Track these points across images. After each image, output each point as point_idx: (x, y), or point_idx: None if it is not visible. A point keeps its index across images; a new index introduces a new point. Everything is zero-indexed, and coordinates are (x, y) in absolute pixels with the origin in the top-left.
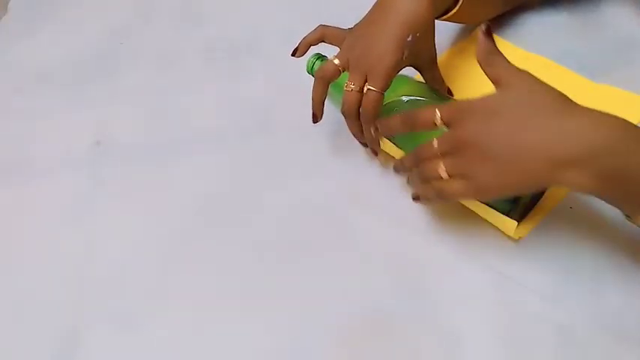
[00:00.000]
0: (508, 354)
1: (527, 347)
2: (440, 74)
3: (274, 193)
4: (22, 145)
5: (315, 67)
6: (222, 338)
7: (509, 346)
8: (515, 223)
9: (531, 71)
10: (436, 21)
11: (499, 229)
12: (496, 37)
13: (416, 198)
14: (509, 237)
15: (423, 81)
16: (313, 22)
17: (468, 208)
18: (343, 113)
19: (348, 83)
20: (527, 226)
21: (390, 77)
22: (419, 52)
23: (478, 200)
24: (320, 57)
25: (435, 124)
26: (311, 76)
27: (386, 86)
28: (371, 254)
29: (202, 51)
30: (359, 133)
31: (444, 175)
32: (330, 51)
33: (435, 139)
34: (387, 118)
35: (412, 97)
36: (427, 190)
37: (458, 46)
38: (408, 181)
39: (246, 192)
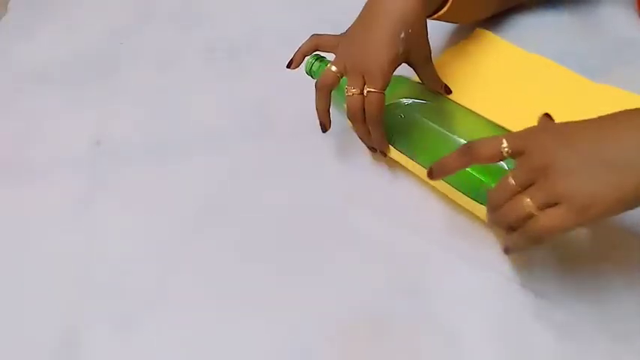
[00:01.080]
0: (508, 354)
1: (527, 347)
2: (435, 71)
3: (274, 193)
4: (22, 145)
5: (314, 67)
6: (222, 338)
7: (509, 346)
8: None
9: (531, 71)
10: (433, 21)
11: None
12: (496, 37)
13: (506, 250)
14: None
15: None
16: (313, 22)
17: (468, 209)
18: (349, 118)
19: (349, 88)
20: None
21: (388, 75)
22: (413, 48)
23: (582, 223)
24: (318, 57)
25: (502, 155)
26: (310, 77)
27: (385, 85)
28: (371, 254)
29: (202, 51)
30: (366, 136)
31: (533, 209)
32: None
33: (509, 175)
34: (441, 158)
35: (414, 100)
36: (518, 238)
37: (456, 46)
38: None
39: (245, 192)
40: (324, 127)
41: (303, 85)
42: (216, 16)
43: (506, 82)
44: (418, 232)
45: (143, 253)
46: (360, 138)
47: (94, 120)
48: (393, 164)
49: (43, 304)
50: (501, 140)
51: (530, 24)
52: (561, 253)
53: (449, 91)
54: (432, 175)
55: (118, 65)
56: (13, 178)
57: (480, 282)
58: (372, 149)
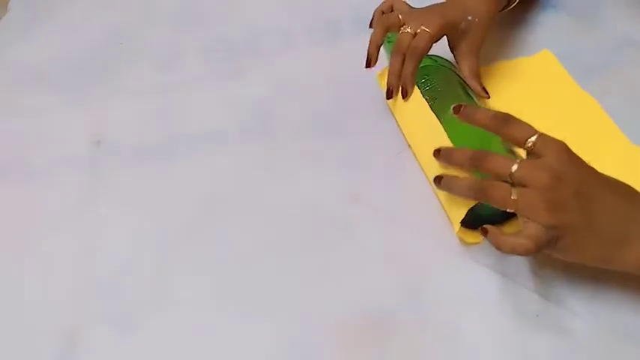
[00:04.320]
0: (508, 354)
1: (527, 347)
2: (477, 68)
3: (274, 193)
4: (22, 144)
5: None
6: (222, 338)
7: (510, 347)
8: (458, 225)
9: (577, 110)
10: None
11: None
12: (558, 65)
13: (439, 180)
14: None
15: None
16: (313, 22)
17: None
18: (392, 50)
19: (404, 27)
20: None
21: (444, 26)
22: (469, 34)
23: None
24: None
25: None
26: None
27: (438, 34)
28: (371, 254)
29: (202, 51)
30: (397, 72)
31: (513, 206)
32: None
33: (515, 161)
34: (454, 148)
35: (434, 85)
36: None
37: (514, 61)
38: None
39: (245, 192)
40: (369, 63)
41: (303, 85)
42: (216, 16)
43: (546, 113)
44: (418, 232)
45: (143, 253)
46: (390, 74)
47: (94, 120)
48: (395, 163)
49: (42, 304)
50: (513, 163)
51: (531, 24)
52: None
53: (486, 94)
54: (438, 155)
55: (118, 65)
56: (13, 178)
57: (480, 282)
58: (389, 93)
